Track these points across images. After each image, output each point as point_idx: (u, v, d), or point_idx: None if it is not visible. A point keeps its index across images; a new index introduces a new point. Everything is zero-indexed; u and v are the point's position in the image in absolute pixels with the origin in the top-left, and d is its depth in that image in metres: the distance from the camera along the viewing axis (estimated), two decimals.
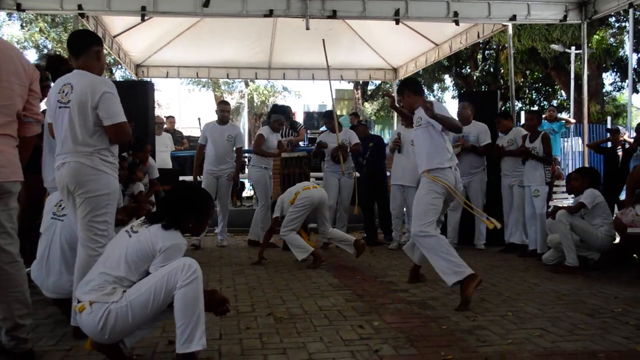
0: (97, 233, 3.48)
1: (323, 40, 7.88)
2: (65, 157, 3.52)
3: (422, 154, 4.93)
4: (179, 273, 2.86)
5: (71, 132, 3.49)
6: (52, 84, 3.88)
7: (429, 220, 4.69)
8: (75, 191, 3.48)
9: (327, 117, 8.43)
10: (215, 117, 8.14)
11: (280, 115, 8.24)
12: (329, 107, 9.64)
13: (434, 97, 27.60)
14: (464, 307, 4.31)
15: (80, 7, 7.08)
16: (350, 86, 27.04)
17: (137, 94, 7.36)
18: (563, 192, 9.29)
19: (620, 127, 9.27)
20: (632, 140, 8.25)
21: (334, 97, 8.85)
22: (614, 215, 6.36)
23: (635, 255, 5.92)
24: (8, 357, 3.14)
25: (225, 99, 14.04)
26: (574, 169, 7.78)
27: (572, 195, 6.42)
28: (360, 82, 23.76)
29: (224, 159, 7.90)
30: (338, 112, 12.06)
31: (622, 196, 7.68)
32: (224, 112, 8.09)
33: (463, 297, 4.37)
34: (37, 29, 23.11)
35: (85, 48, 3.62)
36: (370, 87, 28.43)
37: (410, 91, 5.08)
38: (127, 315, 2.84)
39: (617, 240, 6.07)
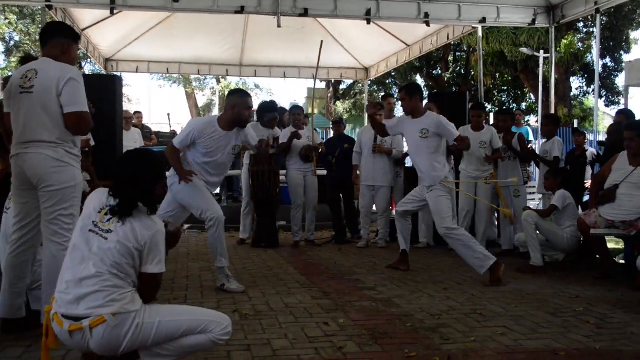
0: (62, 227, 3.37)
1: (321, 41, 7.66)
2: (26, 147, 3.37)
3: (426, 163, 5.55)
4: (217, 327, 2.63)
5: (34, 120, 3.35)
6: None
7: (451, 218, 5.47)
8: (39, 184, 3.35)
9: (295, 111, 7.97)
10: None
11: (275, 113, 7.92)
12: (301, 105, 9.53)
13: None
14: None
15: None
16: (322, 85, 27.04)
17: (104, 89, 7.23)
18: (532, 193, 9.49)
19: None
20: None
21: (311, 95, 8.76)
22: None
23: (597, 256, 6.02)
24: None
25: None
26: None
27: (540, 195, 6.49)
28: (332, 81, 23.74)
29: None
30: (310, 111, 11.96)
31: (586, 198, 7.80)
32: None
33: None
34: (6, 21, 22.66)
35: (51, 37, 3.54)
36: (342, 86, 28.46)
37: (419, 98, 5.72)
38: (150, 332, 2.55)
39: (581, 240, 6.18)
